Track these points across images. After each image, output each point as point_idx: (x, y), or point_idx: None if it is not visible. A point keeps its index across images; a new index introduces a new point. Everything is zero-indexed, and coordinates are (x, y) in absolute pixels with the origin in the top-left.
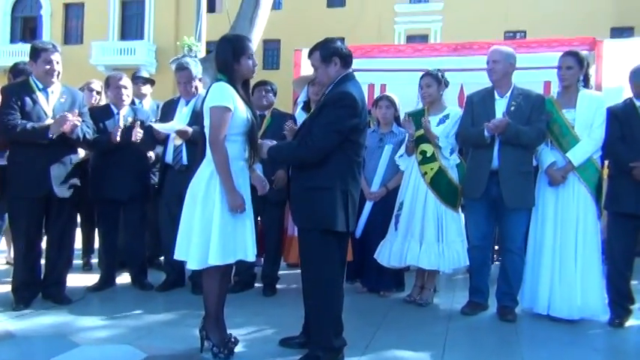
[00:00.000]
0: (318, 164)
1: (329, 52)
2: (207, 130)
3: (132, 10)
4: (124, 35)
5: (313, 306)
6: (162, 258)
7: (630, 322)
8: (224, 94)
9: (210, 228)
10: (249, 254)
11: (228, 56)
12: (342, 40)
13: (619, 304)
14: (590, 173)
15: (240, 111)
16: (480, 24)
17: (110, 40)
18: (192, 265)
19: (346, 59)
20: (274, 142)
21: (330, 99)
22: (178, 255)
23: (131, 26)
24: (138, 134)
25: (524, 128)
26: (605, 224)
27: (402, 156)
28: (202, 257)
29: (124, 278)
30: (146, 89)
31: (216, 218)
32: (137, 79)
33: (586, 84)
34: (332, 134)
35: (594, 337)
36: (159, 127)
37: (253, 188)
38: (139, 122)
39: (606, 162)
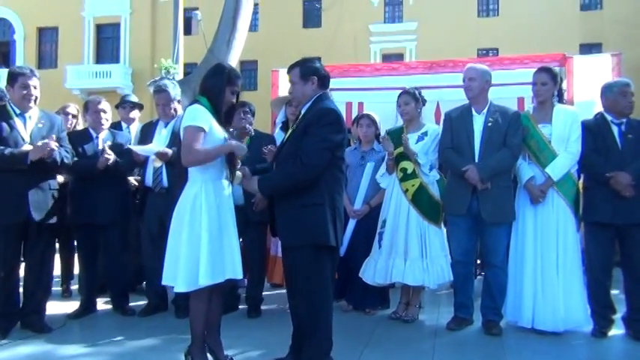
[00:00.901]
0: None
1: (309, 70)
2: None
3: (107, 34)
4: (99, 58)
5: (307, 325)
6: (144, 283)
7: (613, 332)
8: (198, 115)
9: (199, 249)
10: (238, 272)
11: (221, 83)
12: (320, 60)
13: (601, 315)
14: (569, 186)
15: (217, 131)
16: (453, 42)
17: (85, 63)
18: (180, 288)
19: (323, 80)
20: (255, 177)
21: (314, 117)
22: (166, 280)
23: (106, 49)
24: (106, 156)
25: (496, 159)
26: (583, 235)
27: (383, 174)
28: (191, 279)
29: (105, 304)
30: (134, 114)
31: (204, 238)
32: (125, 104)
33: (560, 99)
34: (324, 152)
35: (579, 349)
36: (138, 149)
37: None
38: (106, 145)
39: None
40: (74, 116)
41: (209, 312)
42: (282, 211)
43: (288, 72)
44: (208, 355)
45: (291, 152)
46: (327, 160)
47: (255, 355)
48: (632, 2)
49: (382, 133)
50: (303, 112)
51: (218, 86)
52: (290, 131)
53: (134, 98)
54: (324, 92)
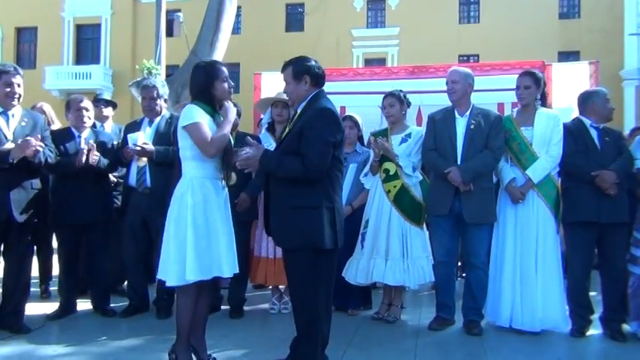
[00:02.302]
0: (303, 183)
1: (301, 69)
2: (181, 152)
3: (87, 34)
4: (79, 59)
5: (302, 323)
6: (125, 284)
7: (590, 332)
8: (192, 113)
9: (185, 245)
10: (225, 270)
11: (201, 82)
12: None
13: (579, 315)
14: (549, 189)
15: (212, 130)
16: (435, 48)
17: (64, 64)
18: (171, 282)
19: (317, 79)
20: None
21: (311, 118)
22: (160, 274)
23: (86, 50)
24: (94, 157)
25: (478, 161)
26: (562, 237)
27: (366, 175)
28: (180, 274)
29: (85, 305)
30: (108, 112)
31: (190, 235)
32: (99, 102)
33: (543, 103)
34: (326, 155)
35: (558, 348)
36: (130, 137)
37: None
38: (94, 146)
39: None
40: (41, 112)
41: (195, 310)
42: (275, 212)
43: (282, 71)
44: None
45: (287, 152)
46: (328, 162)
47: (237, 355)
48: (608, 11)
49: (364, 135)
50: (299, 111)
51: (201, 84)
52: (287, 131)
53: (107, 96)
54: (319, 90)
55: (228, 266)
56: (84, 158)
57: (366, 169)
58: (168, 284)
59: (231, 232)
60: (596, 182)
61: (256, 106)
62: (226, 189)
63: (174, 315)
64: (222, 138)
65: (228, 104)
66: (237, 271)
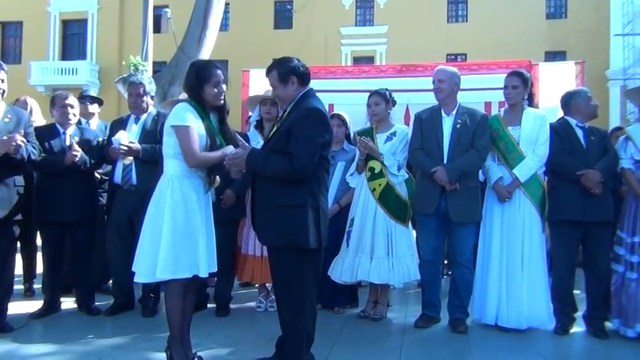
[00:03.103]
0: (289, 182)
1: (286, 70)
2: (164, 148)
3: (73, 30)
4: (65, 55)
5: (287, 322)
6: (110, 282)
7: (574, 329)
8: (181, 113)
9: (159, 242)
10: (202, 270)
11: (192, 84)
12: (296, 58)
13: (563, 313)
14: (535, 188)
15: (198, 132)
16: (423, 47)
17: (50, 59)
18: (139, 279)
19: (303, 78)
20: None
21: (299, 117)
22: (134, 268)
23: (73, 46)
24: (74, 153)
25: (464, 160)
26: (548, 236)
27: (352, 174)
28: (150, 272)
29: (69, 303)
30: (93, 108)
31: (166, 233)
32: (84, 98)
33: (531, 103)
34: (313, 155)
35: (541, 345)
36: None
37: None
38: (74, 142)
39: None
40: (24, 103)
41: (187, 306)
42: (260, 210)
43: (267, 75)
44: None
45: (274, 150)
46: (315, 162)
47: (223, 353)
48: (594, 12)
49: (352, 133)
50: (288, 109)
51: (191, 86)
52: (275, 129)
53: (93, 93)
54: (308, 89)
55: (204, 266)
56: (69, 156)
57: (352, 167)
58: (135, 280)
59: (212, 232)
60: (582, 181)
61: (245, 104)
62: (210, 190)
63: (159, 313)
64: (207, 160)
65: (229, 151)
66: (215, 269)
